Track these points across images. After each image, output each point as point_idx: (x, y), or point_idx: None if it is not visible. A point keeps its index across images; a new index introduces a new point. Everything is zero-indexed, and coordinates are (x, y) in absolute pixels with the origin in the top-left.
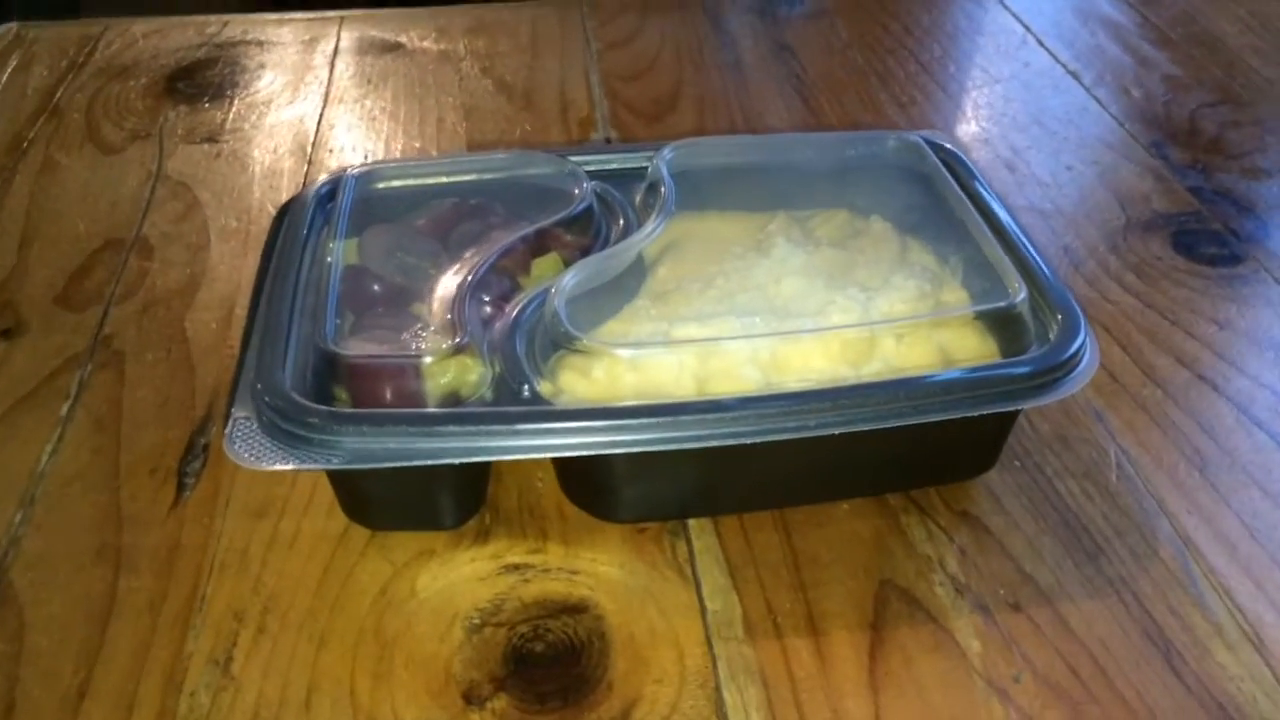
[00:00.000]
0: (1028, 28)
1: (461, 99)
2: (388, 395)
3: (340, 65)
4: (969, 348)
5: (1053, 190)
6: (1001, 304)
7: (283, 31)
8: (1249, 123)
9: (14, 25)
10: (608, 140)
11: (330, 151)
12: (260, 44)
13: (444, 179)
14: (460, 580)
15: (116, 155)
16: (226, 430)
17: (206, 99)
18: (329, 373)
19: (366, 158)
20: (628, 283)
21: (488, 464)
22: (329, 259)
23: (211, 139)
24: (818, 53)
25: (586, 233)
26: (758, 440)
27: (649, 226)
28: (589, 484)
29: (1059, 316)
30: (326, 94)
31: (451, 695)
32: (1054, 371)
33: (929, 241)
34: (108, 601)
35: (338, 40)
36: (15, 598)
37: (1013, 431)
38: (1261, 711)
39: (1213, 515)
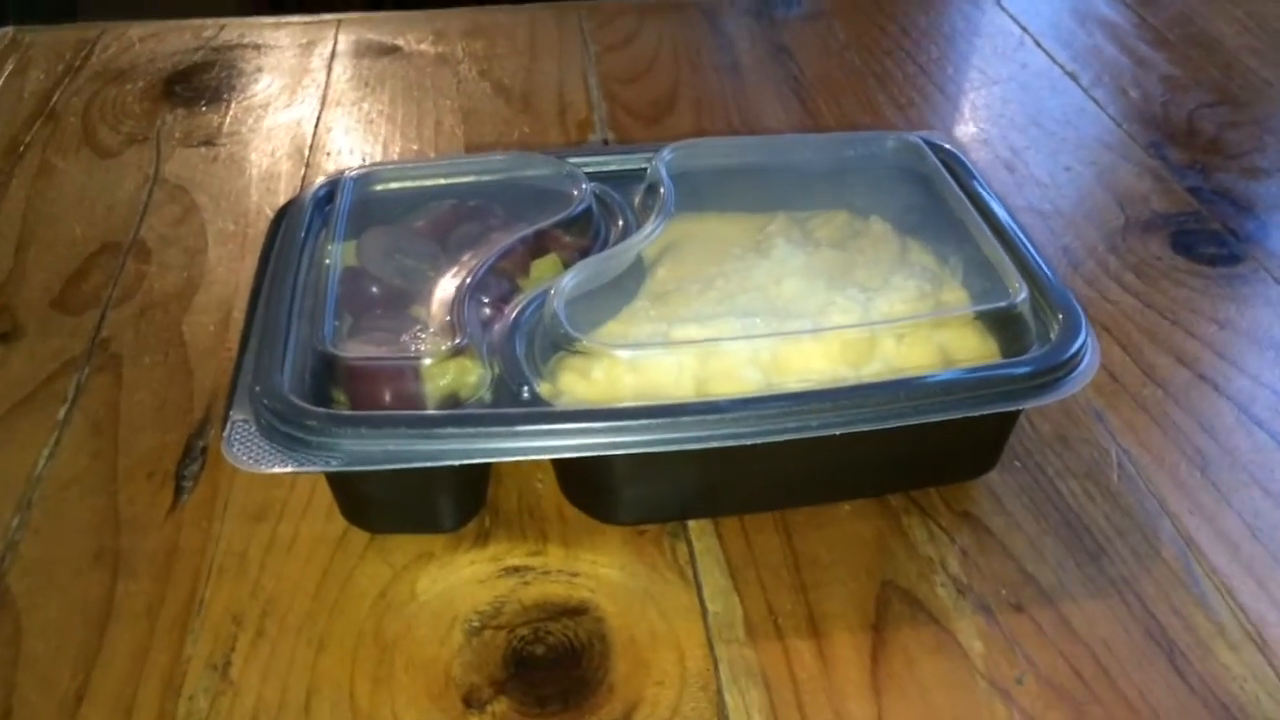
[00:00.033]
0: (1025, 29)
1: (459, 101)
2: (387, 397)
3: (338, 68)
4: (969, 348)
5: (1051, 191)
6: (1002, 304)
7: (279, 35)
8: (1247, 123)
9: (10, 29)
10: (605, 142)
11: (328, 154)
12: (257, 47)
13: (442, 181)
14: (460, 583)
15: (113, 159)
16: (225, 433)
17: (203, 102)
18: (327, 375)
19: (364, 161)
20: (627, 284)
21: (487, 466)
22: (327, 261)
23: (209, 142)
24: (815, 54)
25: (585, 234)
26: (758, 441)
27: (648, 228)
28: (589, 486)
29: (1060, 316)
30: (324, 97)
31: (451, 698)
32: (1055, 371)
33: (929, 242)
34: (105, 606)
35: (335, 43)
36: (12, 603)
37: (1013, 432)
38: (1265, 711)
39: (1214, 515)
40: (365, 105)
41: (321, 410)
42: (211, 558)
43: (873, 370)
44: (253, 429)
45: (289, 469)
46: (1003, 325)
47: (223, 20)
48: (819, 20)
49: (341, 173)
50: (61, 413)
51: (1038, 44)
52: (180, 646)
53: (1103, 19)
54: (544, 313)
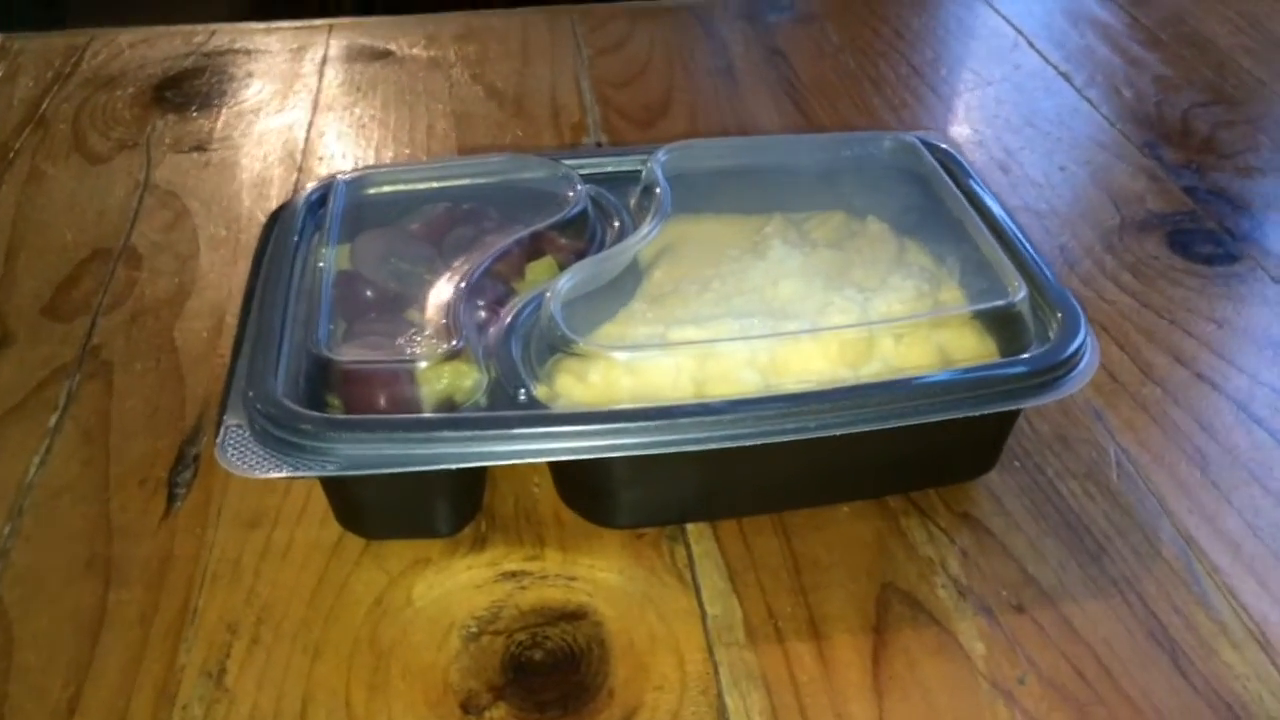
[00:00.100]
0: (1018, 30)
1: (452, 106)
2: (382, 401)
3: (329, 73)
4: (968, 348)
5: (1047, 191)
6: (1000, 303)
7: (270, 40)
8: (1241, 122)
9: None
10: (599, 145)
11: (320, 159)
12: (248, 53)
13: (436, 184)
14: (457, 588)
15: (103, 165)
16: (218, 438)
17: (194, 108)
18: (322, 379)
19: (357, 165)
20: (623, 286)
21: (483, 470)
22: (321, 265)
23: (200, 148)
24: (809, 57)
25: (581, 236)
26: (756, 443)
27: (644, 229)
28: (586, 489)
29: (1059, 315)
30: (315, 102)
31: (449, 705)
32: (1055, 370)
33: (926, 242)
34: (98, 614)
35: (326, 48)
36: (3, 613)
37: (1012, 432)
38: (1268, 710)
39: (1214, 514)
40: (357, 110)
41: (316, 414)
42: (205, 565)
43: (871, 371)
44: (247, 434)
45: (283, 474)
46: (1001, 325)
47: (213, 26)
48: (812, 23)
49: (334, 176)
50: (52, 420)
51: (1031, 45)
52: (174, 655)
53: (1095, 20)
54: (540, 315)
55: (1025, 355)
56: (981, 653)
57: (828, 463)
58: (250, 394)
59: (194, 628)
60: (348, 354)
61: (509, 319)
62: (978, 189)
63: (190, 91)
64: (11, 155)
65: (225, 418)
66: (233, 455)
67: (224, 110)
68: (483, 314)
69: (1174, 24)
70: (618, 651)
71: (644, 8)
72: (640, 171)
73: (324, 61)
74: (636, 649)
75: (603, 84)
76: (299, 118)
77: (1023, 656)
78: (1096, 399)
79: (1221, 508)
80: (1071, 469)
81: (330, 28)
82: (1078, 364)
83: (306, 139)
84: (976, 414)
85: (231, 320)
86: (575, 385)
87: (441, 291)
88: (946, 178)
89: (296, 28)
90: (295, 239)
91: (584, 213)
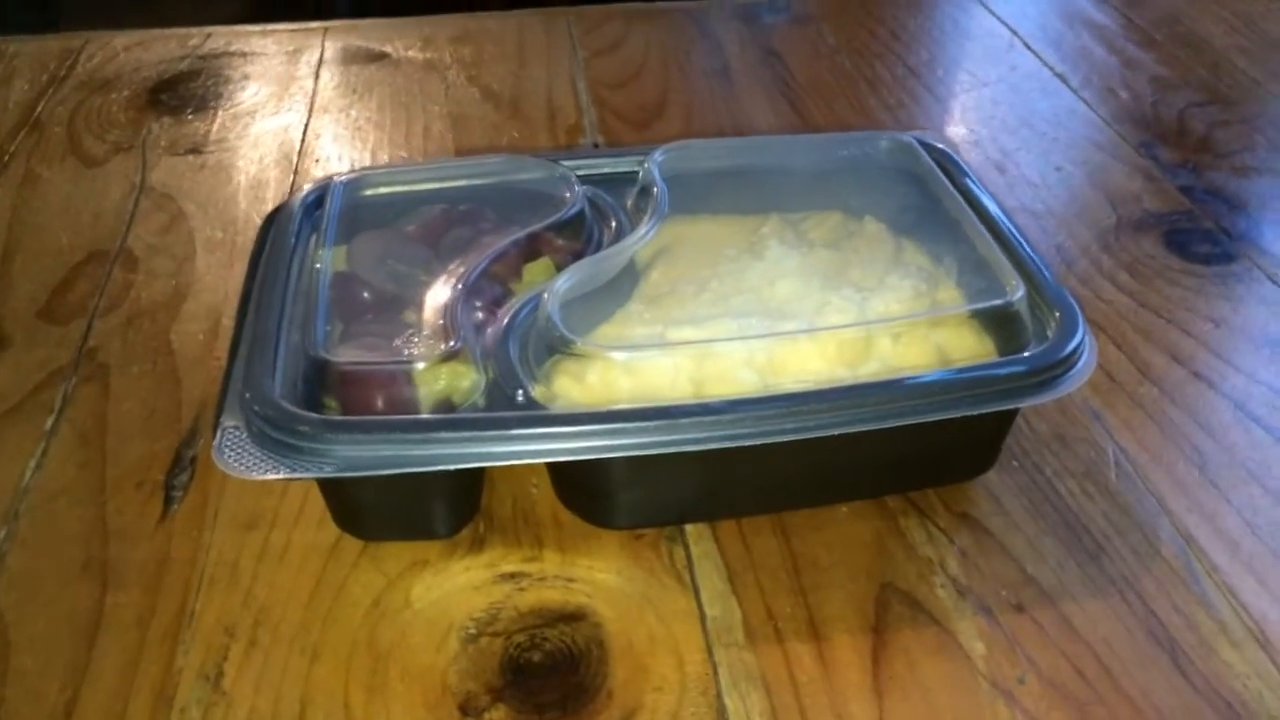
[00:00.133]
0: (1014, 31)
1: (448, 108)
2: (379, 402)
3: (325, 75)
4: (966, 347)
5: (1043, 191)
6: (998, 302)
7: (266, 43)
8: (1237, 121)
9: None
10: (595, 146)
11: (316, 161)
12: (243, 55)
13: (433, 185)
14: (455, 590)
15: (99, 168)
16: (215, 440)
17: (190, 111)
18: (319, 381)
19: (353, 167)
20: (620, 287)
21: (481, 471)
22: (318, 266)
23: (195, 150)
24: (805, 58)
25: (578, 237)
26: (755, 443)
27: (641, 230)
28: (585, 490)
29: (1057, 314)
30: (311, 104)
31: (448, 707)
32: (1053, 369)
33: (923, 242)
34: (94, 618)
35: (322, 51)
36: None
37: (1010, 432)
38: (1269, 708)
39: (1213, 513)
40: (353, 112)
41: (314, 416)
42: (202, 568)
43: (869, 370)
44: (244, 436)
45: (281, 475)
46: (999, 324)
47: (208, 29)
48: (808, 24)
49: (330, 178)
50: (49, 423)
51: (1027, 46)
52: (171, 658)
53: (1090, 20)
54: (538, 316)
55: (1023, 354)
56: (981, 652)
57: (826, 463)
58: (247, 395)
59: (191, 630)
60: (345, 355)
61: (506, 320)
62: (974, 189)
63: (186, 94)
64: (6, 158)
65: (222, 419)
66: (230, 457)
67: (220, 113)
68: (480, 315)
69: (1169, 24)
70: (617, 653)
71: (639, 9)
72: (637, 172)
73: (320, 64)
74: (635, 650)
75: (598, 85)
76: (295, 120)
77: (1022, 656)
78: (1094, 398)
79: (1220, 506)
80: (1070, 468)
81: (325, 30)
82: (1076, 363)
83: (302, 141)
84: (975, 413)
85: (228, 322)
86: (573, 386)
87: (439, 293)
88: (943, 177)
89: (292, 30)
90: (292, 241)
91: (581, 214)
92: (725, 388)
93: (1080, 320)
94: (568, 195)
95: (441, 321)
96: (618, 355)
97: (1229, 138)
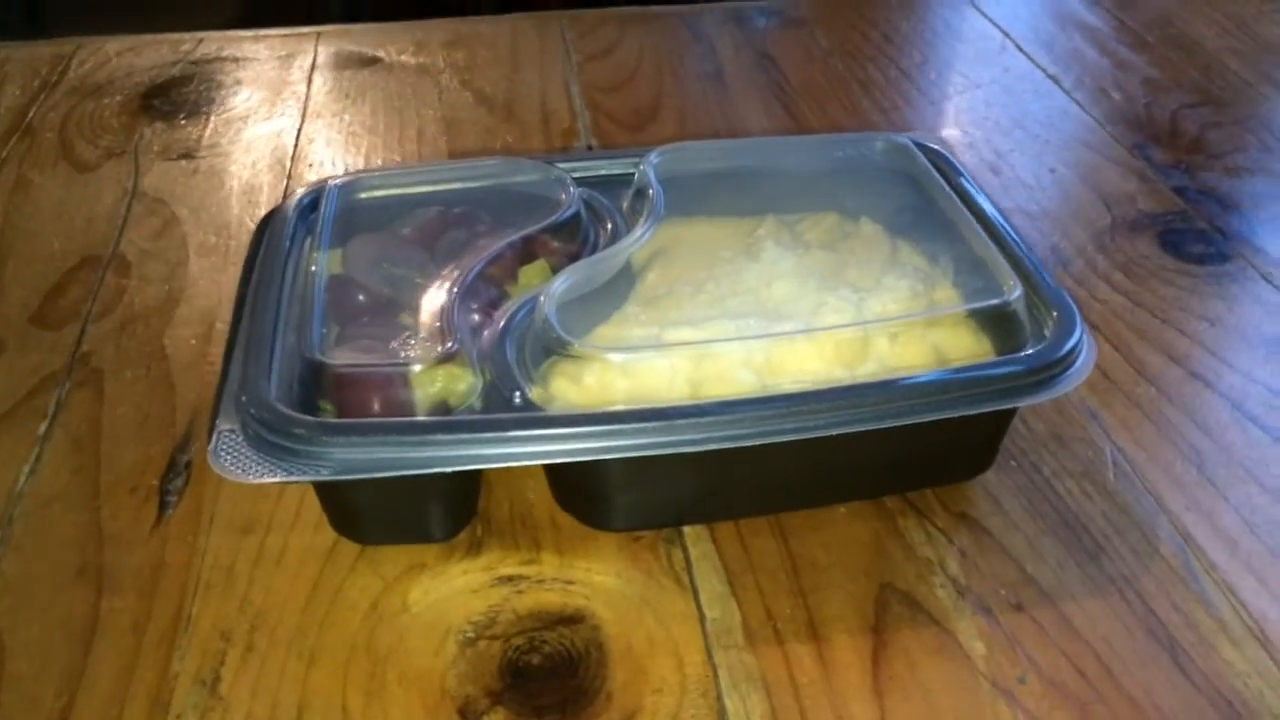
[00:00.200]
0: (1006, 33)
1: (442, 112)
2: (375, 405)
3: (318, 80)
4: (964, 347)
5: (1037, 192)
6: (996, 302)
7: (258, 48)
8: (1229, 123)
9: None
10: (589, 148)
11: (309, 166)
12: (236, 60)
13: (428, 188)
14: (453, 593)
15: (91, 173)
16: (211, 443)
17: (182, 116)
18: (315, 384)
19: (347, 171)
20: (617, 289)
21: (479, 474)
22: (313, 269)
23: (188, 155)
24: (798, 62)
25: (574, 239)
26: (753, 443)
27: (637, 231)
28: (583, 492)
29: (1054, 313)
30: (304, 109)
31: (447, 710)
32: (1052, 368)
33: (919, 242)
34: (90, 623)
35: (314, 55)
36: None
37: (1007, 432)
38: (1270, 706)
39: (1212, 511)
40: (346, 117)
41: (310, 419)
42: (198, 572)
43: (867, 370)
44: (240, 439)
45: (277, 479)
46: (997, 323)
47: (200, 34)
48: (801, 28)
49: (325, 181)
50: (42, 428)
51: (1019, 48)
52: (167, 663)
53: (1082, 22)
54: (535, 317)
55: (1021, 354)
56: (981, 652)
57: (824, 463)
58: (243, 398)
59: (187, 635)
60: (341, 358)
61: (503, 322)
62: (970, 189)
63: (178, 99)
64: None
65: (218, 422)
66: (226, 460)
67: (212, 118)
68: (476, 317)
69: (1161, 26)
70: (616, 655)
71: (633, 13)
72: (632, 174)
73: (312, 68)
74: (635, 652)
75: (592, 89)
76: (288, 125)
77: (1023, 656)
78: (1091, 398)
79: (1218, 505)
80: (1068, 468)
81: (318, 35)
82: (1074, 362)
83: (295, 146)
84: (973, 413)
85: (221, 327)
86: (570, 387)
87: (434, 295)
88: (939, 178)
89: (284, 35)
90: (287, 244)
91: (576, 216)
92: (723, 389)
93: (1078, 319)
94: (563, 197)
95: (438, 324)
96: (615, 357)
97: (1221, 139)
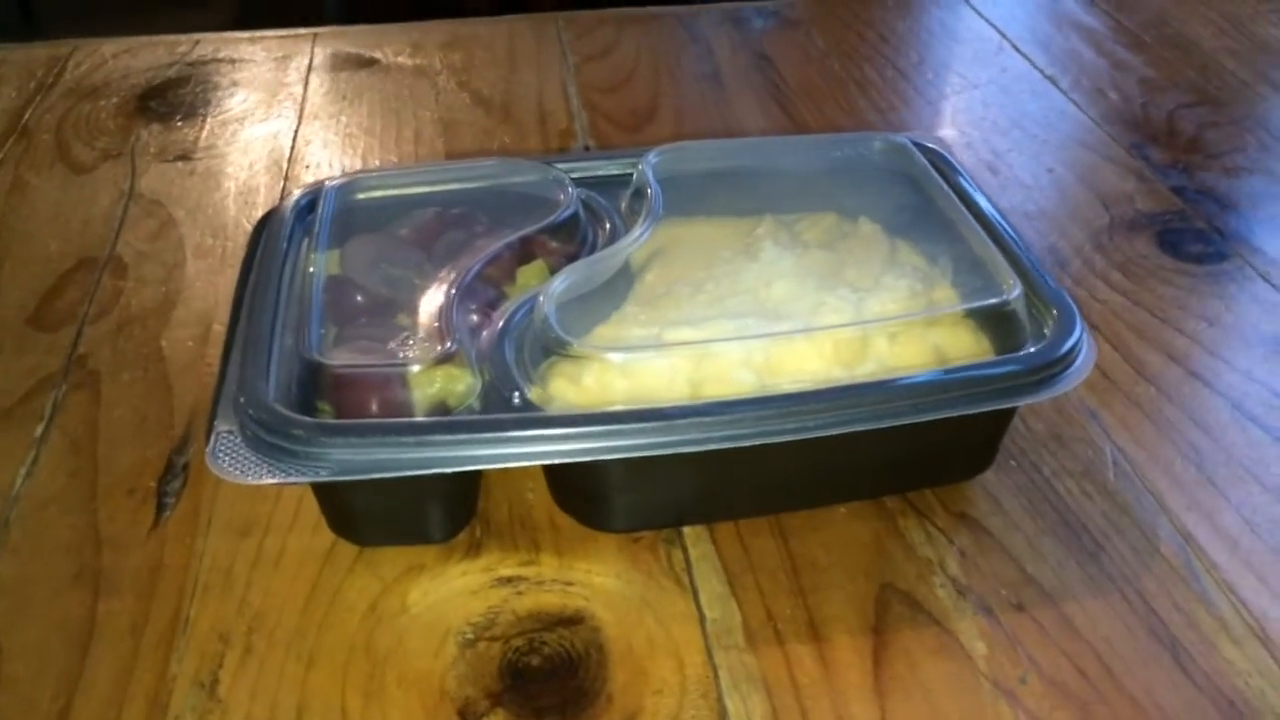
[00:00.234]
0: (1002, 34)
1: (439, 113)
2: (374, 406)
3: (314, 81)
4: (963, 346)
5: (1035, 192)
6: (995, 301)
7: (255, 49)
8: (1227, 122)
9: None
10: (587, 149)
11: (306, 167)
12: (232, 62)
13: (426, 188)
14: (452, 594)
15: (87, 175)
16: (209, 444)
17: (179, 117)
18: (313, 385)
19: (344, 173)
20: (616, 289)
21: (478, 475)
22: (311, 270)
23: (185, 157)
24: (795, 62)
25: (573, 239)
26: (753, 443)
27: (636, 231)
28: (582, 492)
29: (1054, 312)
30: (301, 110)
31: (447, 712)
32: (1052, 367)
33: (918, 242)
34: (87, 626)
35: (311, 57)
36: None
37: (1007, 432)
38: (1271, 705)
39: (1212, 511)
40: (343, 118)
41: (309, 419)
42: (196, 574)
43: (866, 370)
44: (238, 440)
45: (276, 480)
46: (996, 323)
47: (197, 35)
48: (798, 28)
49: (323, 182)
50: (39, 430)
51: (1016, 48)
52: (165, 665)
53: (1079, 23)
54: (534, 317)
55: (1021, 353)
56: (982, 652)
57: (824, 463)
58: (241, 399)
59: (185, 638)
60: (339, 358)
61: (502, 323)
62: (969, 188)
63: (175, 101)
64: None
65: (216, 424)
66: (224, 461)
67: (209, 119)
68: (475, 318)
69: (1157, 27)
70: (616, 656)
71: (630, 14)
72: (631, 175)
73: (309, 70)
74: (635, 653)
75: (590, 90)
76: (284, 126)
77: (1024, 655)
78: (1090, 398)
79: (1218, 505)
80: (1068, 468)
81: (315, 36)
82: (1074, 361)
83: (292, 147)
84: (972, 412)
85: (219, 329)
86: (570, 388)
87: (433, 296)
88: (938, 178)
89: (281, 36)
90: (284, 245)
91: (575, 216)
92: (722, 388)
93: (1077, 318)
94: (561, 198)
95: (436, 324)
96: (614, 357)
97: (1219, 138)
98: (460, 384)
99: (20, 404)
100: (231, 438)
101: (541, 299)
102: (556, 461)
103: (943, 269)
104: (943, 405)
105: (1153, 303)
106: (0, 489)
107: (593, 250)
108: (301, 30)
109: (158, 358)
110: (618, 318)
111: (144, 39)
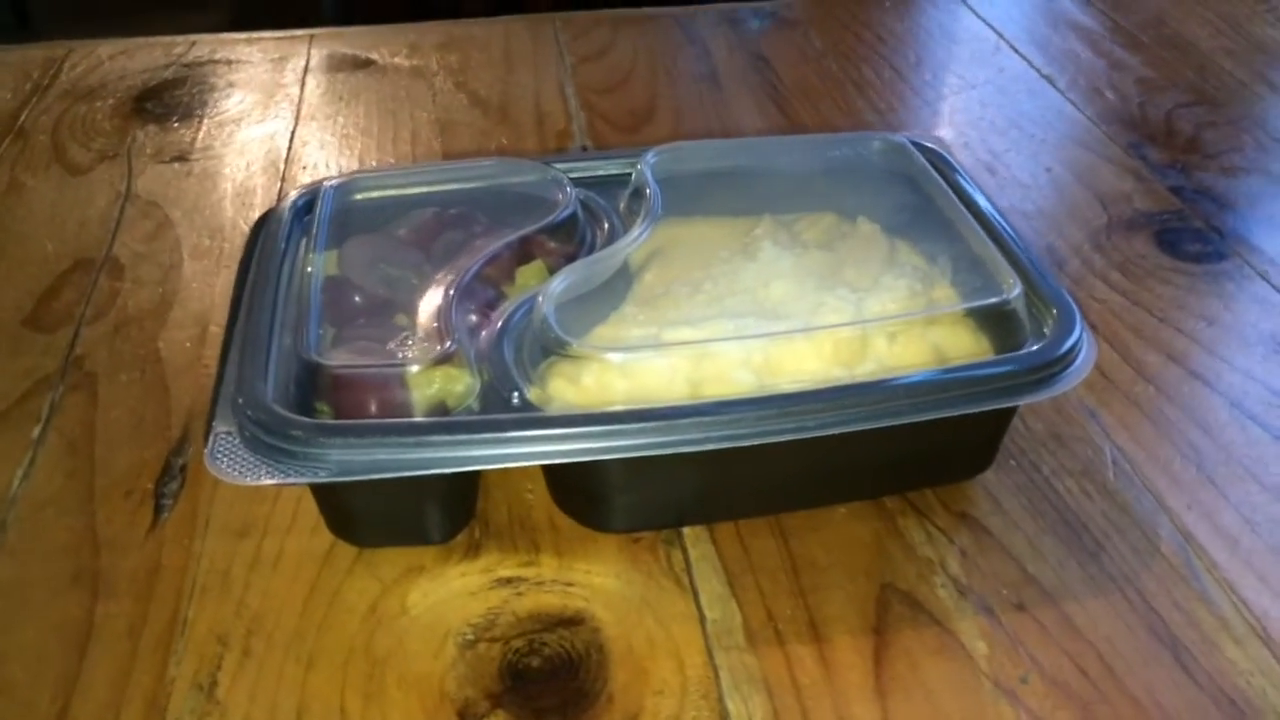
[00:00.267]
0: (999, 34)
1: (436, 114)
2: (373, 406)
3: (311, 83)
4: (963, 346)
5: (1034, 192)
6: (995, 300)
7: (251, 50)
8: (1224, 122)
9: None
10: (585, 149)
11: (304, 169)
12: (229, 63)
13: (424, 188)
14: (451, 595)
15: (84, 176)
16: (208, 445)
17: (175, 119)
18: (311, 386)
19: (341, 173)
20: (614, 289)
21: (477, 476)
22: (309, 270)
23: (181, 158)
24: (792, 62)
25: (571, 239)
26: (753, 443)
27: (635, 232)
28: (582, 493)
29: (1054, 312)
30: (298, 111)
31: (447, 713)
32: (1052, 366)
33: (917, 241)
34: (85, 627)
35: (308, 58)
36: None
37: (1007, 432)
38: (1273, 704)
39: (1212, 510)
40: (340, 119)
41: (307, 420)
42: (194, 576)
43: (866, 370)
44: (236, 441)
45: (274, 481)
46: (996, 322)
47: (193, 37)
48: (795, 29)
49: (320, 182)
50: (36, 432)
51: (1013, 48)
52: (164, 667)
53: (1076, 23)
54: (533, 317)
55: (1020, 352)
56: (983, 652)
57: (824, 463)
58: (240, 400)
59: (184, 640)
60: (338, 359)
61: (500, 323)
62: (968, 188)
63: (171, 102)
64: None
65: (214, 425)
66: (223, 462)
67: (205, 120)
68: (474, 318)
69: (1154, 27)
70: (616, 657)
71: (627, 15)
72: (629, 175)
73: (305, 71)
74: (635, 654)
75: (587, 90)
76: (281, 127)
77: (1025, 655)
78: (1089, 397)
79: (1218, 504)
80: (1068, 467)
81: (311, 38)
82: (1074, 360)
83: (289, 148)
84: (972, 412)
85: (215, 330)
86: (569, 388)
87: (431, 296)
88: (937, 177)
89: (277, 38)
90: (282, 245)
91: (573, 216)
92: (722, 388)
93: (1077, 317)
94: (560, 198)
95: (435, 325)
96: (613, 357)
97: (1217, 138)
98: (459, 384)
99: (17, 405)
100: (230, 439)
101: (540, 299)
102: (556, 462)
103: (942, 268)
104: (942, 405)
105: (1151, 302)
106: None
107: (591, 250)
108: (298, 31)
109: (155, 359)
110: (616, 318)
111: (140, 40)
